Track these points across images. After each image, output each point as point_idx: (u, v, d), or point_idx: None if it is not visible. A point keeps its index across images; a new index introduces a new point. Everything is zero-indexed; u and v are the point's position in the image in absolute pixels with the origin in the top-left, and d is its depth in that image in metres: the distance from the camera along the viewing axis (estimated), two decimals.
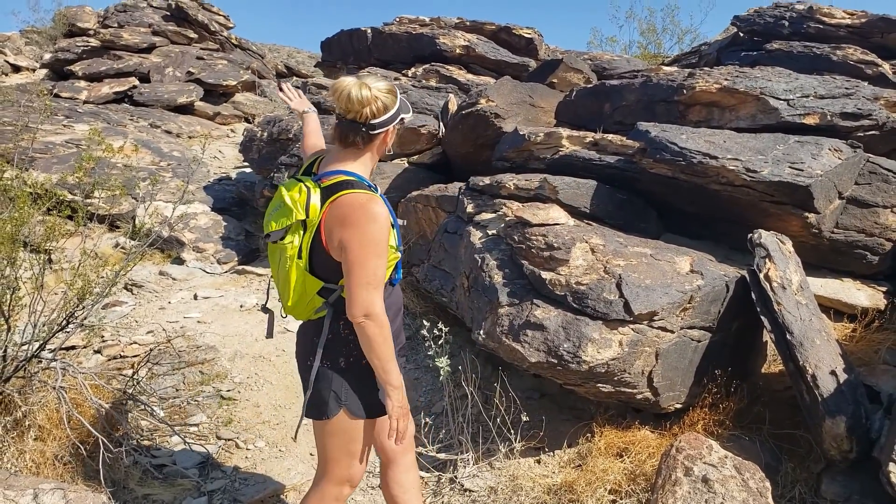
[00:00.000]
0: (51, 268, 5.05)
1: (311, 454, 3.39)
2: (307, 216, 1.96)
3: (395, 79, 8.35)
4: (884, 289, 3.91)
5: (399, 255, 2.13)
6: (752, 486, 2.55)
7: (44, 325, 3.20)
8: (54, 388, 3.00)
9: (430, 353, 3.26)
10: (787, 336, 2.87)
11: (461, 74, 8.79)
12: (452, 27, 10.43)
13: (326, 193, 1.97)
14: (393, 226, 2.04)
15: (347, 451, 2.14)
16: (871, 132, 4.27)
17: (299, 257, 2.00)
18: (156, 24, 14.74)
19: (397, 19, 11.12)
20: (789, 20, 7.68)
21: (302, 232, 1.99)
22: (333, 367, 2.08)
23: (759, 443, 3.02)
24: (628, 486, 2.84)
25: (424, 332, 3.30)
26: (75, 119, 9.61)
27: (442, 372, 3.17)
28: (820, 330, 2.99)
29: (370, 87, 1.99)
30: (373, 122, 2.01)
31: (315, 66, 15.12)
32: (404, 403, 2.05)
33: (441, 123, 6.54)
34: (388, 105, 2.02)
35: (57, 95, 11.20)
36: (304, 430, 2.71)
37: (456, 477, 3.12)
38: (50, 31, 15.63)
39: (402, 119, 2.09)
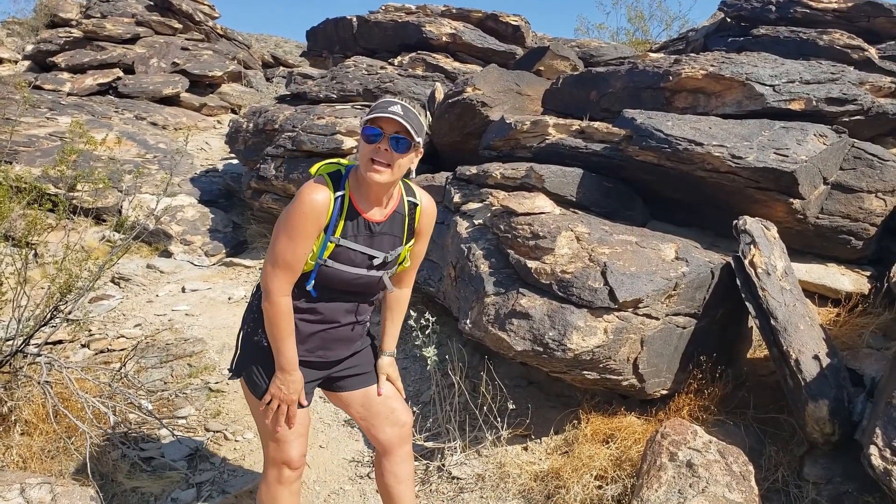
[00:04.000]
0: (36, 262, 5.01)
1: None
2: None
3: (381, 67, 8.29)
4: (867, 273, 3.94)
5: (314, 264, 2.00)
6: (735, 469, 2.58)
7: (28, 320, 3.18)
8: (40, 383, 2.98)
9: (417, 342, 3.26)
10: (772, 321, 2.89)
11: (448, 63, 8.73)
12: (439, 15, 10.34)
13: None
14: (326, 230, 1.96)
15: (265, 430, 2.16)
16: (856, 117, 4.29)
17: None
18: (139, 14, 14.49)
19: (383, 7, 11.00)
20: (776, 5, 7.66)
21: None
22: (245, 334, 2.22)
23: (744, 427, 3.05)
24: (614, 471, 2.87)
25: (412, 322, 3.30)
26: (59, 111, 9.47)
27: (429, 361, 3.18)
28: (804, 315, 3.02)
29: None
30: None
31: (301, 56, 14.98)
32: (288, 388, 2.07)
33: (427, 112, 6.51)
34: None
35: (40, 88, 11.00)
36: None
37: (444, 465, 3.14)
38: (31, 23, 15.32)
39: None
